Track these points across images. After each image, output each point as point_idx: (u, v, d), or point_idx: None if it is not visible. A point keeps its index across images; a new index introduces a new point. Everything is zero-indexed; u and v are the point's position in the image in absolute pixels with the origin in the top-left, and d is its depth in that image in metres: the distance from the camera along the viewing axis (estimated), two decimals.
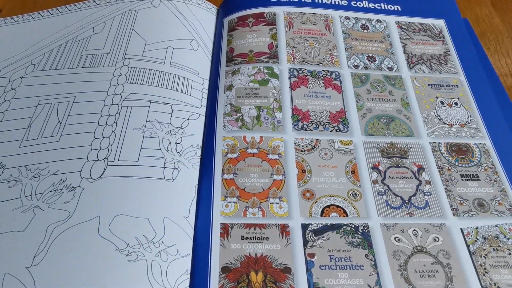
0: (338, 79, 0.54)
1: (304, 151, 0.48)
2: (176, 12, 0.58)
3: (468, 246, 0.42)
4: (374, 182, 0.46)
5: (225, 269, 0.40)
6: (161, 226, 0.41)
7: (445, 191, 0.46)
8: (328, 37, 0.58)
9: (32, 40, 0.57)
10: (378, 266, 0.41)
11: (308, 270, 0.40)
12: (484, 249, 0.42)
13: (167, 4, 0.59)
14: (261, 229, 0.42)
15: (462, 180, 0.47)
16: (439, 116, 0.52)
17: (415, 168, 0.48)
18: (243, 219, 0.43)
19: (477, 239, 0.43)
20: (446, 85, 0.55)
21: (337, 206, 0.44)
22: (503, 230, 0.44)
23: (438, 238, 0.43)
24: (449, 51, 0.58)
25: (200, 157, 0.47)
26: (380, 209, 0.44)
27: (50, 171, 0.44)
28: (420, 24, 0.61)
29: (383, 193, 0.46)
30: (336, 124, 0.50)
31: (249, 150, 0.48)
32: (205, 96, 0.53)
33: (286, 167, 0.47)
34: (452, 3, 0.64)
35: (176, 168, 0.45)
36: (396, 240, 0.42)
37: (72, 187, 0.43)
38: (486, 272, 0.41)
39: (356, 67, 0.56)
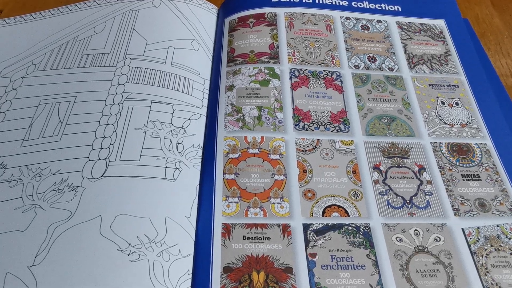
0: (339, 80, 0.54)
1: (305, 151, 0.48)
2: (177, 12, 0.58)
3: (469, 246, 0.42)
4: (375, 182, 0.46)
5: (226, 269, 0.39)
6: (163, 226, 0.41)
7: (446, 191, 0.46)
8: (329, 38, 0.58)
9: (33, 40, 0.57)
10: (380, 266, 0.41)
11: (309, 270, 0.40)
12: (486, 249, 0.42)
13: (168, 4, 0.59)
14: (262, 229, 0.42)
15: (463, 180, 0.47)
16: (440, 116, 0.52)
17: (416, 168, 0.48)
18: (245, 219, 0.43)
19: (479, 239, 0.43)
20: (447, 85, 0.55)
21: (339, 206, 0.44)
22: (504, 230, 0.44)
23: (439, 238, 0.43)
24: (449, 51, 0.58)
25: (201, 157, 0.47)
26: (382, 209, 0.44)
27: (52, 171, 0.44)
28: (421, 24, 0.61)
29: (384, 193, 0.46)
30: (337, 124, 0.50)
31: (250, 150, 0.48)
32: (206, 96, 0.53)
33: (288, 167, 0.47)
34: (452, 3, 0.64)
35: (177, 168, 0.45)
36: (397, 240, 0.42)
37: (74, 186, 0.43)
38: (487, 272, 0.41)
39: (357, 67, 0.56)
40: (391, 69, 0.56)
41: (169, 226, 0.41)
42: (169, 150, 0.46)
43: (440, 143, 0.50)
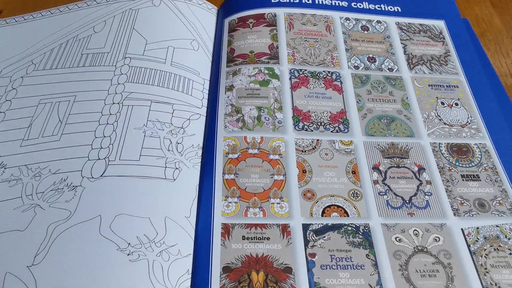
0: (338, 80, 0.54)
1: (305, 151, 0.48)
2: (177, 11, 0.58)
3: (468, 246, 0.42)
4: (375, 182, 0.46)
5: (226, 269, 0.39)
6: (163, 226, 0.41)
7: (446, 191, 0.46)
8: (329, 38, 0.58)
9: (33, 39, 0.57)
10: (379, 266, 0.41)
11: (309, 270, 0.40)
12: (485, 249, 0.42)
13: (168, 3, 0.59)
14: (262, 229, 0.42)
15: (463, 180, 0.47)
16: (440, 117, 0.52)
17: (416, 168, 0.48)
18: (244, 219, 0.43)
19: (478, 239, 0.43)
20: (446, 86, 0.55)
21: (338, 206, 0.44)
22: (503, 230, 0.44)
23: (438, 238, 0.43)
24: (449, 52, 0.58)
25: (201, 157, 0.47)
26: (381, 209, 0.44)
27: (51, 170, 0.44)
28: (420, 25, 0.61)
29: (383, 193, 0.46)
30: (336, 124, 0.50)
31: (250, 151, 0.48)
32: (206, 96, 0.53)
33: (287, 168, 0.47)
34: (452, 4, 0.64)
35: (177, 168, 0.45)
36: (397, 240, 0.42)
37: (73, 186, 0.43)
38: (487, 272, 0.41)
39: (356, 68, 0.56)
40: (390, 70, 0.56)
41: (169, 226, 0.41)
42: (169, 150, 0.46)
43: (439, 143, 0.50)
